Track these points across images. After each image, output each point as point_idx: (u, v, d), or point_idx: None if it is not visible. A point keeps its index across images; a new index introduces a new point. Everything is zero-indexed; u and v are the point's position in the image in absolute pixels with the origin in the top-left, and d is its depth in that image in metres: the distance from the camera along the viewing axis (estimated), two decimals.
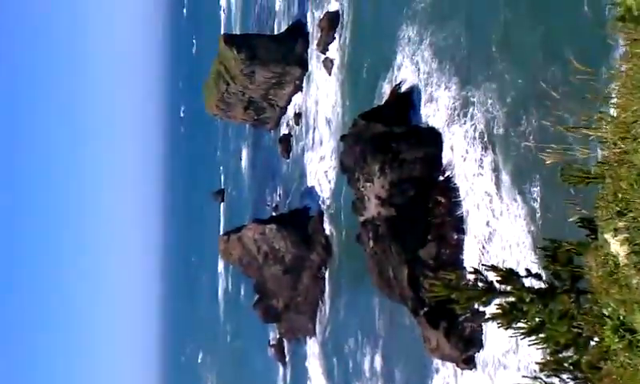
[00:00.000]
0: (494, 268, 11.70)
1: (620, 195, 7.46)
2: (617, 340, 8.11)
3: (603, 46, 23.07)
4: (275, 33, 77.32)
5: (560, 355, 10.91)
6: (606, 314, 8.63)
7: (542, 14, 32.67)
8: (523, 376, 13.60)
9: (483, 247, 36.98)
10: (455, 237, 39.51)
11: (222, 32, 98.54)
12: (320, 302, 61.40)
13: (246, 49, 67.88)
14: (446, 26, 42.17)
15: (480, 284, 11.82)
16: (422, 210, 41.18)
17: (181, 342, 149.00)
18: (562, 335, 10.36)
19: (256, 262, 65.48)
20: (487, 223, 36.74)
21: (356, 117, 47.16)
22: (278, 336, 71.40)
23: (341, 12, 60.90)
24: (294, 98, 71.54)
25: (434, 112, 42.77)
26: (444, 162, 41.25)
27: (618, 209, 7.47)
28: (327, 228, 60.00)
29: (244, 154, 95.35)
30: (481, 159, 37.58)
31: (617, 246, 7.61)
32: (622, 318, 7.91)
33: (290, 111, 72.70)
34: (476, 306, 12.32)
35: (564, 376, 10.96)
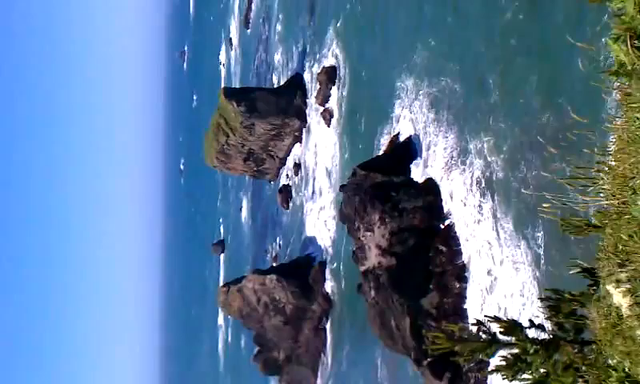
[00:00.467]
0: (496, 319, 11.63)
1: (620, 246, 7.50)
2: None
3: (598, 99, 23.40)
4: (274, 86, 78.45)
5: None
6: (612, 364, 8.58)
7: (537, 65, 33.19)
8: None
9: (485, 296, 36.75)
10: (457, 285, 39.29)
11: (222, 85, 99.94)
12: (321, 354, 60.69)
13: (245, 102, 68.75)
14: (442, 76, 42.79)
15: (483, 335, 11.74)
16: (423, 259, 41.04)
17: None
18: None
19: (256, 313, 64.96)
20: (489, 271, 36.60)
21: (355, 167, 47.45)
22: None
23: (338, 66, 61.90)
24: (293, 150, 72.13)
25: (433, 161, 43.06)
26: (444, 210, 41.33)
27: (619, 260, 7.50)
28: (328, 278, 59.73)
29: (244, 204, 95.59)
30: (480, 206, 37.66)
31: (619, 298, 7.62)
32: (627, 369, 7.86)
33: (290, 162, 73.20)
34: (480, 356, 12.22)
35: None
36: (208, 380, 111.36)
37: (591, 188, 8.03)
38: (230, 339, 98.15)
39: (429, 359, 38.40)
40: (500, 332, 11.54)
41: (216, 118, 73.56)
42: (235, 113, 69.36)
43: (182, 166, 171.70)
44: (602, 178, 7.64)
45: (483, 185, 37.50)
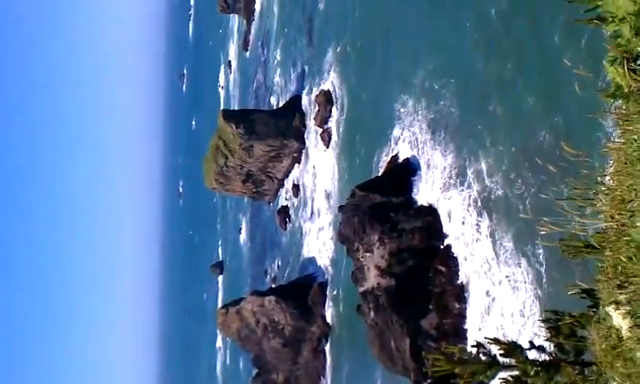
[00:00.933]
0: (496, 341, 11.61)
1: (620, 268, 7.51)
2: None
3: (595, 121, 23.54)
4: (273, 108, 78.78)
5: None
6: None
7: (535, 86, 33.41)
8: None
9: (485, 317, 36.64)
10: (457, 306, 39.17)
11: (221, 108, 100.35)
12: (321, 376, 60.29)
13: (244, 123, 69.00)
14: (440, 97, 43.02)
15: (483, 357, 11.71)
16: (422, 280, 40.96)
17: None
18: None
19: (255, 335, 64.65)
20: (488, 291, 36.53)
21: (354, 188, 47.52)
22: None
23: (337, 88, 62.25)
24: (292, 171, 72.27)
25: (432, 181, 43.15)
26: (443, 230, 41.33)
27: (619, 282, 7.51)
28: (327, 299, 59.53)
29: (243, 226, 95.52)
30: (479, 226, 37.68)
31: (619, 320, 7.61)
32: None
33: (289, 183, 73.30)
34: (480, 379, 12.17)
35: None
36: None
37: (589, 210, 8.06)
38: (228, 361, 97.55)
39: (429, 381, 38.18)
40: (500, 354, 11.52)
41: (215, 140, 73.79)
42: (234, 135, 69.58)
43: (180, 188, 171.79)
44: (601, 200, 7.68)
45: (482, 205, 37.55)
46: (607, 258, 7.77)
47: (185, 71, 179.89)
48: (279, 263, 75.74)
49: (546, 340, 11.04)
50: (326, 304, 59.47)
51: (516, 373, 11.20)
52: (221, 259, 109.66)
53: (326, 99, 63.08)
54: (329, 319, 59.06)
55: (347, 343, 55.62)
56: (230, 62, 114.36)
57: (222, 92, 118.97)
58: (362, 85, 56.88)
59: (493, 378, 11.75)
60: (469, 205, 38.78)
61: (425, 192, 43.74)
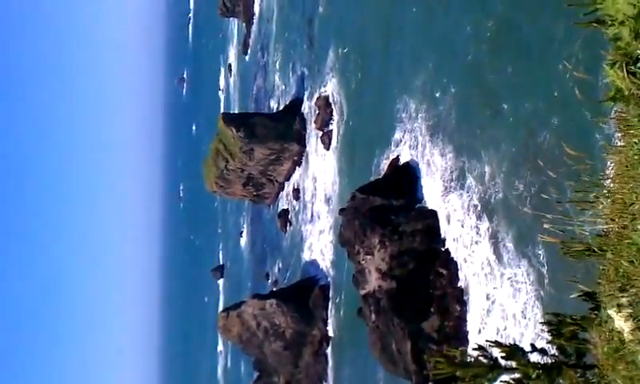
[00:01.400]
0: (498, 344, 11.60)
1: (621, 271, 7.52)
2: None
3: (595, 124, 23.55)
4: (273, 111, 78.82)
5: None
6: None
7: (536, 89, 33.43)
8: None
9: (487, 319, 36.61)
10: (458, 308, 39.15)
11: (221, 111, 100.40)
12: (322, 379, 60.23)
13: (244, 127, 69.05)
14: (440, 100, 43.06)
15: (485, 360, 11.70)
16: (423, 282, 40.94)
17: None
18: None
19: (256, 338, 64.60)
20: (490, 293, 36.51)
21: (354, 191, 47.52)
22: None
23: (337, 90, 62.29)
24: (292, 174, 72.28)
25: (433, 183, 43.16)
26: (444, 232, 41.33)
27: (620, 285, 7.51)
28: (328, 302, 59.49)
29: (243, 229, 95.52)
30: (480, 228, 37.67)
31: (621, 322, 7.61)
32: None
33: (289, 187, 73.31)
34: (482, 382, 12.16)
35: None
36: None
37: (591, 212, 8.06)
38: (229, 365, 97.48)
39: (430, 383, 38.16)
40: (502, 357, 11.51)
41: (215, 144, 73.83)
42: (234, 138, 69.62)
43: (181, 192, 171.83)
44: (602, 203, 7.69)
45: (483, 206, 37.55)
46: (609, 260, 7.77)
47: (185, 75, 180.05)
48: (280, 266, 75.71)
49: (548, 343, 11.04)
50: (327, 307, 59.44)
51: (517, 376, 11.19)
52: (221, 263, 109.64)
53: (327, 102, 63.14)
54: (330, 322, 59.03)
55: (348, 346, 55.57)
56: (230, 65, 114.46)
57: (222, 95, 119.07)
58: (363, 88, 56.92)
59: (494, 381, 11.74)
60: (470, 207, 38.78)
61: (426, 194, 43.75)
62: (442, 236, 41.31)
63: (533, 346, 11.72)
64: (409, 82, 47.20)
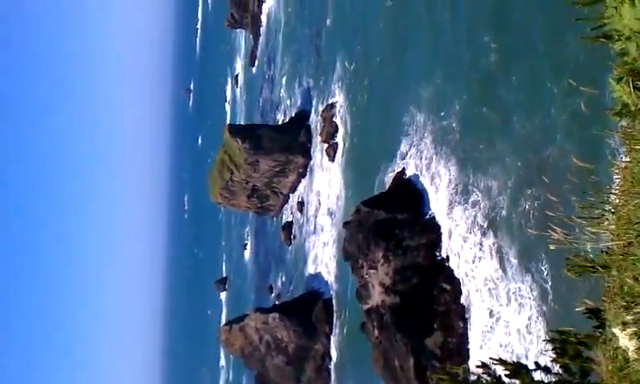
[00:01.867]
0: (501, 361, 11.46)
1: (626, 288, 7.40)
2: None
3: (601, 139, 23.44)
4: (279, 123, 78.90)
5: None
6: None
7: (541, 104, 33.35)
8: None
9: (490, 335, 36.33)
10: (461, 325, 38.88)
11: (227, 122, 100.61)
12: None
13: (250, 139, 69.11)
14: (447, 113, 42.99)
15: (488, 378, 11.56)
16: (426, 298, 40.70)
17: None
18: None
19: (258, 352, 64.28)
20: (494, 309, 36.26)
21: (358, 204, 47.39)
22: None
23: (343, 103, 62.33)
24: (297, 186, 72.23)
25: (437, 198, 43.02)
26: (448, 247, 41.13)
27: (625, 303, 7.40)
28: (331, 316, 59.20)
29: (247, 241, 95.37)
30: (484, 243, 37.47)
31: (626, 341, 7.49)
32: None
33: (294, 199, 73.22)
34: None
35: None
36: None
37: (595, 228, 7.95)
38: (231, 379, 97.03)
39: None
40: (505, 375, 11.36)
41: (221, 155, 73.90)
42: (240, 149, 69.67)
43: (185, 203, 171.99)
44: (607, 219, 7.59)
45: (487, 221, 37.38)
46: (613, 277, 7.66)
47: (191, 86, 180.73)
48: (283, 279, 75.48)
49: (552, 361, 10.89)
50: (331, 321, 59.15)
51: None
52: (225, 275, 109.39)
53: (332, 115, 63.20)
54: (333, 337, 58.71)
55: (351, 361, 55.24)
56: (236, 76, 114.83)
57: (228, 107, 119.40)
58: (369, 101, 56.94)
59: None
60: (474, 221, 38.61)
61: (430, 209, 43.60)
62: (446, 251, 41.12)
63: (537, 363, 11.57)
64: (415, 95, 47.18)
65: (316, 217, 66.38)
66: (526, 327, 33.28)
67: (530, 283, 33.02)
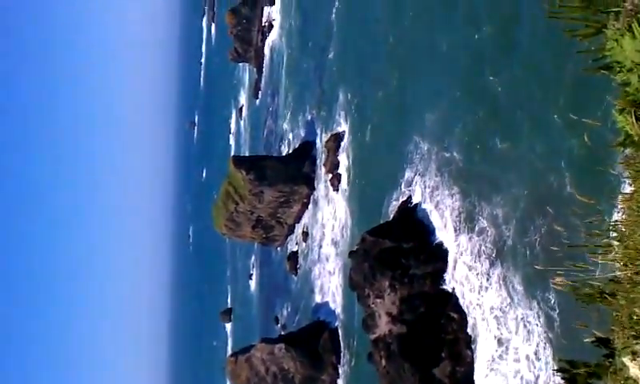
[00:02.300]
0: None
1: (635, 318, 7.42)
2: None
3: (605, 171, 23.52)
4: (283, 154, 79.29)
5: None
6: None
7: (545, 134, 33.52)
8: None
9: (499, 363, 36.06)
10: (469, 353, 38.62)
11: (232, 154, 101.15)
12: None
13: (254, 169, 69.42)
14: (451, 142, 43.18)
15: None
16: (434, 327, 40.50)
17: None
18: None
19: (265, 383, 63.78)
20: (501, 338, 36.04)
21: (364, 233, 47.38)
22: None
23: (347, 133, 62.68)
24: (301, 216, 72.30)
25: (443, 226, 43.01)
26: (454, 276, 41.02)
27: (634, 332, 7.41)
28: (338, 346, 58.84)
29: (252, 272, 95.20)
30: (491, 272, 37.38)
31: (636, 370, 7.48)
32: None
33: (298, 229, 73.25)
34: None
35: None
36: None
37: (602, 258, 7.99)
38: None
39: None
40: None
41: (225, 186, 74.16)
42: (244, 181, 69.94)
43: (190, 235, 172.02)
44: (614, 248, 7.63)
45: (494, 250, 37.33)
46: (622, 306, 7.69)
47: (196, 119, 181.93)
48: (289, 309, 75.16)
49: None
50: (337, 351, 58.78)
51: None
52: (230, 306, 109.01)
53: (336, 144, 63.50)
54: (340, 367, 58.28)
55: None
56: (240, 109, 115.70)
57: (232, 139, 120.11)
58: (373, 130, 57.24)
59: None
60: (481, 250, 38.56)
61: (436, 237, 43.57)
62: (452, 279, 41.00)
63: None
64: (420, 122, 47.42)
65: (321, 247, 66.33)
66: (535, 354, 33.06)
67: (537, 311, 32.87)
